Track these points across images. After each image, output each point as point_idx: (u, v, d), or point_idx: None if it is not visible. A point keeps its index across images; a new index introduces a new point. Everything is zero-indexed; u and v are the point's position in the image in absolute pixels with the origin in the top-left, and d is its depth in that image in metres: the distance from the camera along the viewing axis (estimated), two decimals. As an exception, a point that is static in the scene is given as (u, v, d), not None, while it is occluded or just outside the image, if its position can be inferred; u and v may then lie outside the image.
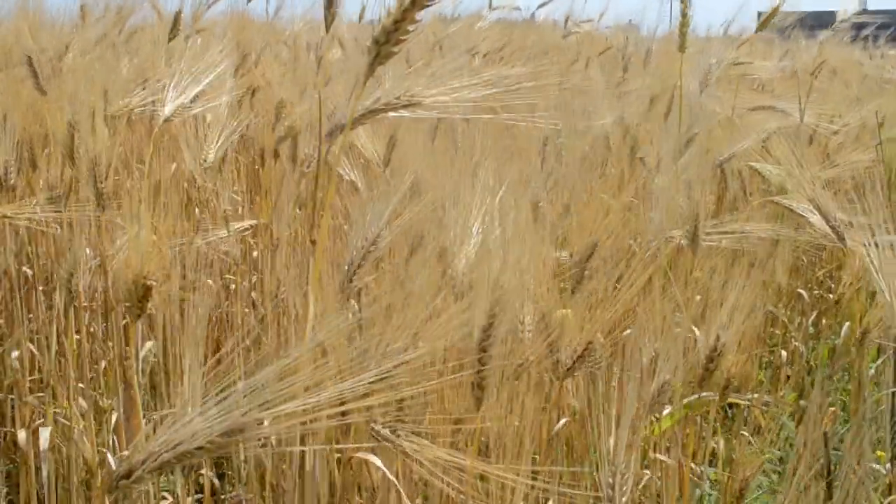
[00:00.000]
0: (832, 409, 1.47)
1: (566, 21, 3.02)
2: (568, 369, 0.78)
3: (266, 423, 0.50)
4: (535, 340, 0.82)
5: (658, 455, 1.17)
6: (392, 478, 0.83)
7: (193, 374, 0.57)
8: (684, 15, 1.31)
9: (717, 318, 0.74)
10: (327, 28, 1.24)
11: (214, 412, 0.52)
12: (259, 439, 0.53)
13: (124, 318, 1.59)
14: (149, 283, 0.80)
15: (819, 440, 1.05)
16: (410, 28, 0.59)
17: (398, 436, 0.63)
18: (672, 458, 1.06)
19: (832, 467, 0.79)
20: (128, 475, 0.52)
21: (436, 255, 0.93)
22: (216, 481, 1.36)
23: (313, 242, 1.09)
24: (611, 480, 0.59)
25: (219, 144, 1.29)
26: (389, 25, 0.60)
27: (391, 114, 0.82)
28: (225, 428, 0.51)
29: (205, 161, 1.21)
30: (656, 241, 1.23)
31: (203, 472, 1.28)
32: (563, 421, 1.01)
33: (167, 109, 1.28)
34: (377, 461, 0.82)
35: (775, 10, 1.76)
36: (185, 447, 0.51)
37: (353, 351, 0.63)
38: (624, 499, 0.59)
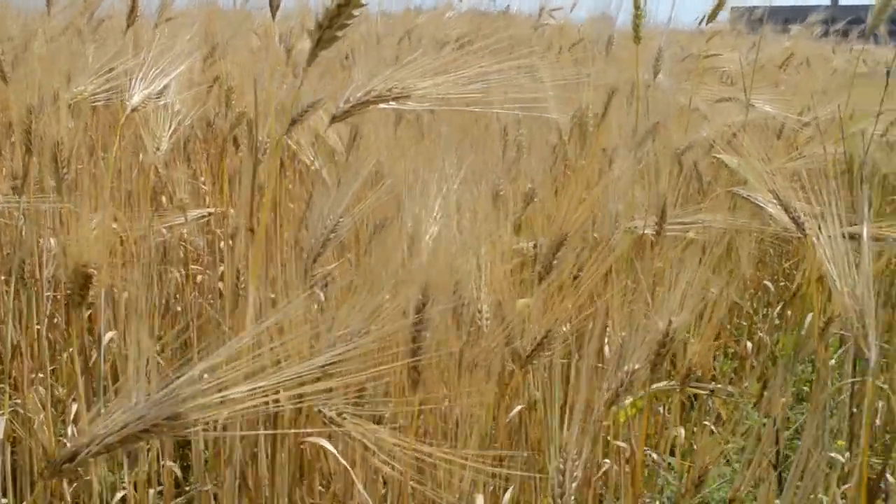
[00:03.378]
0: (782, 399, 1.48)
1: (541, 12, 3.02)
2: (527, 357, 0.78)
3: (211, 408, 0.50)
4: (493, 329, 0.82)
5: (617, 442, 1.17)
6: (342, 460, 0.83)
7: (142, 361, 0.56)
8: (638, 7, 1.33)
9: (669, 303, 0.74)
10: (273, 15, 1.25)
11: (161, 396, 0.52)
12: (206, 423, 0.53)
13: (88, 308, 1.58)
14: (89, 271, 0.79)
15: (775, 429, 1.06)
16: (355, 12, 0.59)
17: (344, 419, 0.63)
18: (632, 447, 1.07)
19: (784, 456, 0.80)
20: (72, 458, 0.51)
21: (396, 243, 0.93)
22: (178, 471, 1.36)
23: (251, 231, 1.08)
24: (561, 467, 0.59)
25: (171, 132, 1.28)
26: (333, 10, 0.60)
27: (381, 105, 0.82)
28: (170, 412, 0.51)
29: (158, 149, 1.20)
30: (617, 230, 1.24)
31: (164, 462, 1.27)
32: (517, 408, 1.02)
33: (135, 99, 1.27)
34: (328, 445, 0.82)
35: (721, 3, 1.78)
36: (130, 430, 0.51)
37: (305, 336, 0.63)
38: (574, 485, 0.59)
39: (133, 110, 1.27)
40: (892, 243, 0.91)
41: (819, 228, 0.74)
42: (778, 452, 0.83)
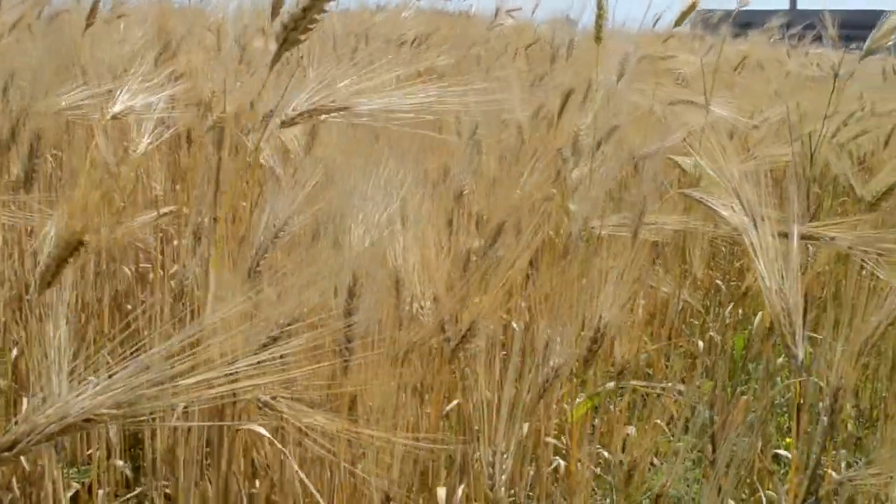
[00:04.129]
0: (744, 397, 1.50)
1: (497, 12, 3.03)
2: (453, 350, 0.79)
3: (151, 399, 0.51)
4: (431, 322, 0.82)
5: (548, 439, 1.18)
6: (277, 443, 0.83)
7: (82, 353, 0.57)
8: (600, 7, 1.34)
9: (600, 301, 0.75)
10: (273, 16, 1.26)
11: (103, 387, 0.52)
12: (147, 414, 0.53)
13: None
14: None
15: (716, 423, 1.08)
16: (317, 17, 0.61)
17: (278, 402, 0.64)
18: (581, 447, 1.08)
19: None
20: (11, 447, 0.51)
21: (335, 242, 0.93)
22: (129, 472, 1.35)
23: (215, 220, 1.09)
24: (491, 459, 0.60)
25: (148, 137, 1.30)
26: (298, 13, 0.62)
27: (323, 116, 0.82)
28: (112, 402, 0.51)
29: (135, 151, 1.22)
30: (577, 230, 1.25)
31: (113, 461, 1.27)
32: (454, 402, 1.03)
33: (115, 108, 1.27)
34: (262, 430, 0.82)
35: (693, 6, 1.80)
36: (70, 420, 0.51)
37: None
38: (503, 477, 0.60)
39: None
40: (828, 242, 0.93)
41: (754, 228, 0.75)
42: (714, 446, 0.84)
